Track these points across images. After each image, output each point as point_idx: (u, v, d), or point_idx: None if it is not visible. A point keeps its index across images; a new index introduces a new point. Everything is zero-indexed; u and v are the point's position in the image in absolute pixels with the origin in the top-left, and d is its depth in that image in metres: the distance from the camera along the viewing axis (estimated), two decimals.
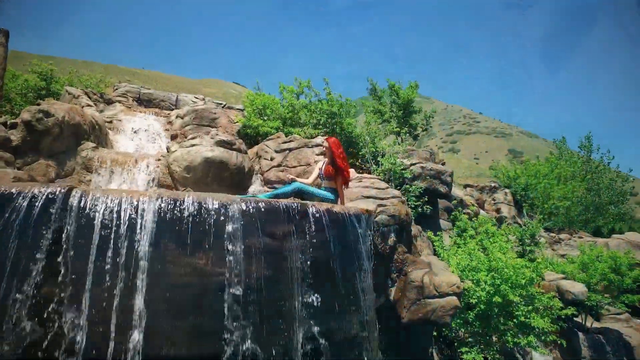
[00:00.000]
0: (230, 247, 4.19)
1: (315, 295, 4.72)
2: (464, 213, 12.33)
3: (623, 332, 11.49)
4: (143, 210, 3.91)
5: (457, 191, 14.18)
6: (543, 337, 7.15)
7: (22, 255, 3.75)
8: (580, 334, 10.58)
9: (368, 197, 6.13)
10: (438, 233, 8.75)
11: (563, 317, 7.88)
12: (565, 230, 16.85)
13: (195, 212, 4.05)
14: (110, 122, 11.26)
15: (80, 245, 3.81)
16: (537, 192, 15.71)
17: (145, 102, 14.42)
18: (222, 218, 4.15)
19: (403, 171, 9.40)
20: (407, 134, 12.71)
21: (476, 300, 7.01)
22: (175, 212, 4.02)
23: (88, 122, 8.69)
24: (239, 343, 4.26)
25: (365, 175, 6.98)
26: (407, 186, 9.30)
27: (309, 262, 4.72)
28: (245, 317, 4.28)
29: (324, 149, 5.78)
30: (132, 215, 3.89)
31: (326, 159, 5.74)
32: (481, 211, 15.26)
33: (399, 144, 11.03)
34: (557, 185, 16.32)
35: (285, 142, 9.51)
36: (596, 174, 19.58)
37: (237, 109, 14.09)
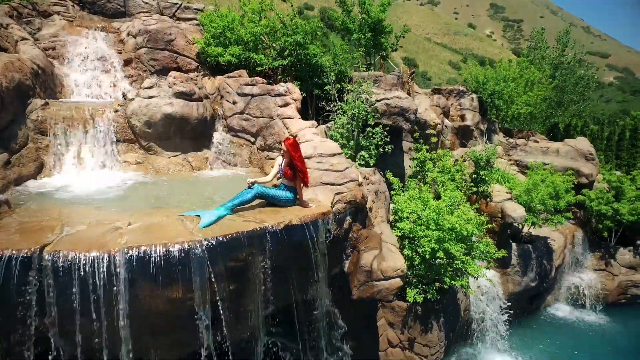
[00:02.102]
0: (197, 278, 4.69)
1: (274, 295, 5.51)
2: (427, 134, 12.81)
3: (549, 237, 13.39)
4: (116, 262, 4.26)
5: (422, 104, 14.30)
6: (477, 276, 8.47)
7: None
8: (514, 245, 12.32)
9: (326, 184, 6.45)
10: (396, 180, 9.36)
11: (495, 258, 9.18)
12: (523, 132, 17.73)
13: (163, 258, 4.42)
14: (53, 47, 10.25)
15: (63, 296, 4.26)
16: (502, 99, 16.02)
17: (88, 5, 12.75)
18: (187, 258, 4.55)
19: (367, 114, 9.47)
20: (376, 54, 12.16)
21: (422, 250, 8.04)
22: (145, 257, 4.37)
23: (29, 72, 7.99)
24: (210, 345, 5.13)
25: (325, 147, 7.12)
26: (370, 130, 9.48)
27: (269, 271, 5.34)
28: (215, 326, 5.07)
29: (282, 152, 5.85)
30: (106, 268, 4.25)
31: (285, 159, 5.86)
32: (445, 121, 15.70)
33: (366, 71, 10.75)
34: (524, 91, 16.57)
35: (247, 85, 9.14)
36: (566, 70, 19.71)
37: (194, 9, 12.80)
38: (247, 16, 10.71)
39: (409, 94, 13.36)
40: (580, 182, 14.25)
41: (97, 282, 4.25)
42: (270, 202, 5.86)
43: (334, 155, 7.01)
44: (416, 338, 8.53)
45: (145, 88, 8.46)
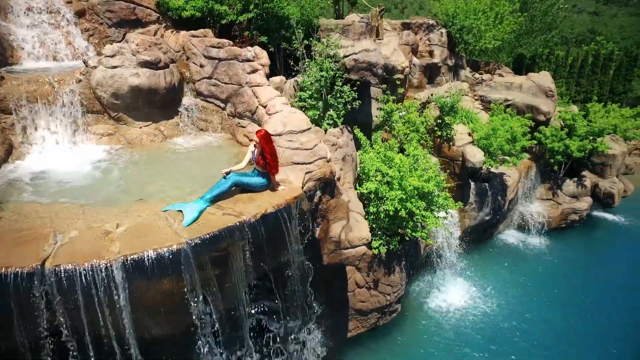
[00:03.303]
0: (185, 270, 5.29)
1: (253, 267, 6.22)
2: (395, 79, 12.98)
3: (505, 173, 14.51)
4: (113, 269, 4.77)
5: (391, 44, 14.14)
6: (436, 226, 9.45)
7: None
8: (472, 184, 13.37)
9: (297, 164, 6.86)
10: (364, 137, 9.79)
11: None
12: (489, 65, 17.96)
13: (154, 260, 4.95)
14: None
15: (68, 299, 4.81)
16: (472, 33, 15.97)
17: None
18: (176, 257, 5.10)
19: (335, 72, 9.54)
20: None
21: (386, 208, 8.82)
22: (139, 263, 4.90)
23: None
24: (201, 318, 5.94)
25: (295, 122, 7.37)
26: (339, 89, 9.63)
27: (248, 252, 5.98)
28: (204, 302, 5.82)
29: (255, 143, 6.12)
30: (105, 275, 4.77)
31: (257, 149, 6.17)
32: (414, 59, 15.70)
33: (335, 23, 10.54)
34: (493, 25, 16.47)
35: (213, 47, 8.91)
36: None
37: None
38: None
39: (378, 33, 13.22)
40: (538, 120, 15.08)
41: (98, 286, 4.79)
42: (245, 189, 6.30)
43: (304, 131, 7.30)
44: (380, 279, 9.70)
45: (108, 56, 8.17)
